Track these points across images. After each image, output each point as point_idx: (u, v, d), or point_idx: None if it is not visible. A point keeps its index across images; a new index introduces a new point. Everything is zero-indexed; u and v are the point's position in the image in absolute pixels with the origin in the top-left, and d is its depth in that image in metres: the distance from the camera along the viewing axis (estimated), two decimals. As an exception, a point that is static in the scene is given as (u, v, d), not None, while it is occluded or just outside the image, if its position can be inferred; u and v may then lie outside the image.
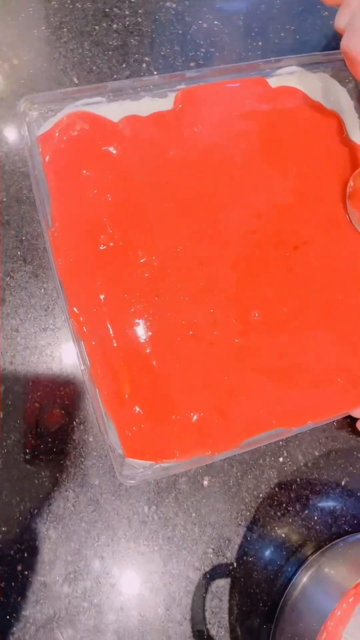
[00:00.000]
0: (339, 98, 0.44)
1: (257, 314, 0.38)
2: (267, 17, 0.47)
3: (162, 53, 0.44)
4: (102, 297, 0.36)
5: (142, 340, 0.36)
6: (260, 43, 0.46)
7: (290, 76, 0.43)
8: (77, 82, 0.42)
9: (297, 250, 0.40)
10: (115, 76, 0.43)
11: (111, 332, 0.35)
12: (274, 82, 0.42)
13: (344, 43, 0.34)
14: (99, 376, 0.35)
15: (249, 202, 0.40)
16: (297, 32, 0.48)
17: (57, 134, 0.38)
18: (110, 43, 0.43)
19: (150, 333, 0.36)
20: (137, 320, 0.36)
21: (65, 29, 0.42)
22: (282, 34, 0.47)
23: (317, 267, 0.41)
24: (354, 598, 0.30)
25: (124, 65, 0.43)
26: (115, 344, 0.35)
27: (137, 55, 0.43)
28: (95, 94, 0.39)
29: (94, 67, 0.42)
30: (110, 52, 0.43)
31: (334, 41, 0.48)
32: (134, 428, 0.35)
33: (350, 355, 0.40)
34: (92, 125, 0.38)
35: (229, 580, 0.38)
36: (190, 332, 0.37)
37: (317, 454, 0.42)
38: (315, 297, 0.40)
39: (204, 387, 0.37)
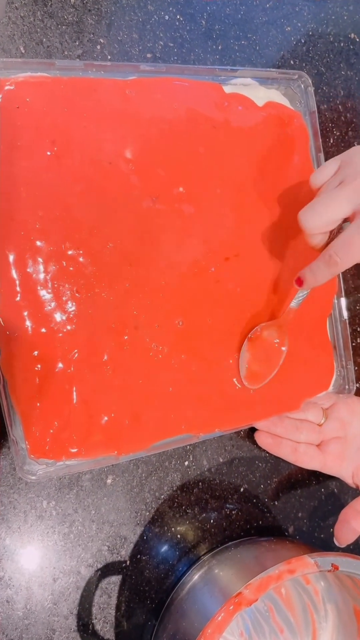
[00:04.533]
0: (288, 118, 0.44)
1: (181, 322, 0.39)
2: (231, 22, 0.47)
3: (119, 38, 0.42)
4: (19, 287, 0.34)
5: (58, 336, 0.35)
6: (220, 47, 0.46)
7: (244, 87, 0.43)
8: (23, 51, 0.39)
9: (227, 262, 0.41)
10: (66, 53, 0.41)
11: (27, 324, 0.34)
12: (227, 90, 0.42)
13: (300, 213, 0.34)
14: (10, 368, 0.34)
15: (185, 206, 0.40)
16: (257, 43, 0.48)
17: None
18: (65, 17, 0.40)
19: (68, 328, 0.35)
20: (55, 315, 0.35)
21: (17, -7, 0.39)
22: (243, 42, 0.47)
23: (244, 281, 0.41)
24: (234, 606, 0.31)
25: (76, 43, 0.41)
26: (30, 339, 0.34)
27: (92, 35, 0.41)
28: (41, 68, 0.37)
29: (45, 40, 0.40)
30: (63, 27, 0.40)
31: (292, 59, 0.49)
32: (41, 426, 0.34)
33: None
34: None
35: (120, 577, 0.39)
36: (110, 333, 0.36)
37: (221, 460, 0.43)
38: (239, 311, 0.41)
39: (119, 388, 0.37)
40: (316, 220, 0.33)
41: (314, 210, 0.33)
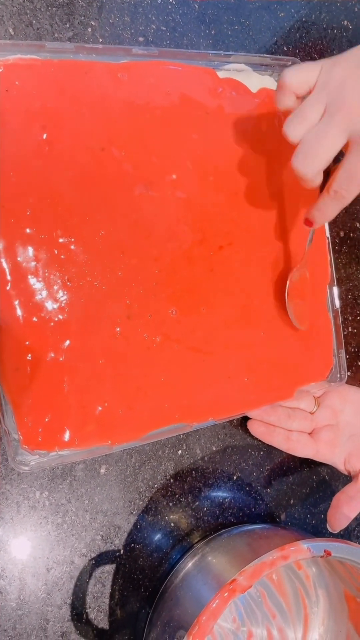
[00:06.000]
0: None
1: (174, 312, 0.38)
2: (224, 6, 0.46)
3: (111, 21, 0.41)
4: (9, 276, 0.33)
5: (50, 325, 0.34)
6: (213, 32, 0.45)
7: (237, 73, 0.42)
8: (12, 33, 0.38)
9: (221, 250, 0.41)
10: (56, 35, 0.40)
11: (18, 314, 0.33)
12: (220, 75, 0.41)
13: (293, 160, 0.32)
14: (1, 358, 0.33)
15: (178, 193, 0.39)
16: (251, 28, 0.47)
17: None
18: (55, -2, 0.39)
19: (59, 317, 0.35)
20: (46, 304, 0.34)
21: (5, -29, 0.38)
22: (236, 27, 0.46)
23: (239, 270, 0.41)
24: (228, 594, 0.31)
25: (67, 25, 0.40)
26: (21, 329, 0.33)
27: (82, 18, 0.40)
28: (31, 50, 0.36)
29: (34, 22, 0.39)
30: (54, 9, 0.39)
31: (285, 45, 0.49)
32: (33, 416, 0.34)
33: (259, 358, 0.42)
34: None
35: (114, 566, 0.39)
36: (103, 323, 0.36)
37: (214, 449, 0.43)
38: (234, 300, 0.41)
39: (112, 378, 0.36)
40: (314, 163, 0.31)
41: (307, 153, 0.31)
